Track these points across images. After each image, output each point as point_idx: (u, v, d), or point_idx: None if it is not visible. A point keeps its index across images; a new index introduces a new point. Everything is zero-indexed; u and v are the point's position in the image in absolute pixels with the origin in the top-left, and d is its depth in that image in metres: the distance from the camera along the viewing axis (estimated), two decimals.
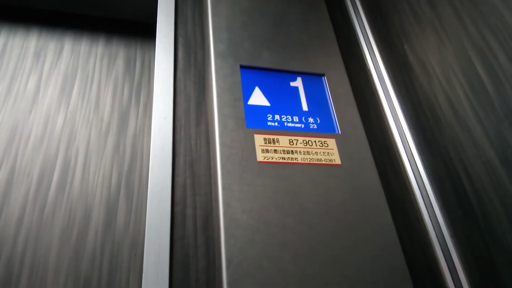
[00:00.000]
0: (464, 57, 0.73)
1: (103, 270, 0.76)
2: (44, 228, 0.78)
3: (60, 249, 0.77)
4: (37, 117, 0.89)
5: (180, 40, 0.89)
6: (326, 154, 0.78)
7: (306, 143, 0.78)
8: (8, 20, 1.02)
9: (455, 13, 0.76)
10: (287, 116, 0.81)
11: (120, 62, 1.02)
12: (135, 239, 0.81)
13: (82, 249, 0.78)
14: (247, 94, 0.81)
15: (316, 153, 0.77)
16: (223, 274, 0.58)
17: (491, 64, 0.67)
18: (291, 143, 0.77)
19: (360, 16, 1.06)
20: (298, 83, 0.88)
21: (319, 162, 0.76)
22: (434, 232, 0.75)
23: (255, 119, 0.78)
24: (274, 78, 0.86)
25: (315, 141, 0.79)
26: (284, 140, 0.77)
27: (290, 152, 0.76)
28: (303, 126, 0.81)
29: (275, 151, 0.75)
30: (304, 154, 0.76)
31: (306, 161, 0.75)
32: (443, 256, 0.73)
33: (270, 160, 0.73)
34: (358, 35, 1.04)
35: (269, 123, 0.78)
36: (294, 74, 0.89)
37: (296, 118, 0.81)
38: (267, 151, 0.74)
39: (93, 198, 0.84)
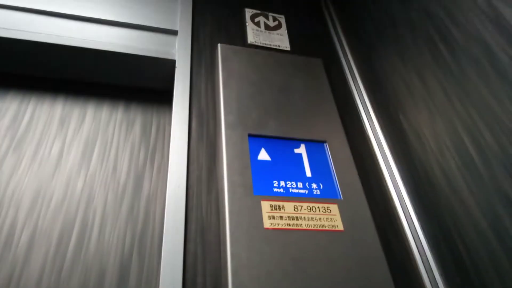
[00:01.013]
0: (454, 131, 0.79)
1: None
2: None
3: None
4: (59, 181, 0.96)
5: (194, 111, 0.97)
6: (329, 220, 0.82)
7: (310, 209, 0.83)
8: (37, 89, 1.12)
9: (443, 90, 0.84)
10: (292, 182, 0.87)
11: (137, 127, 1.11)
12: None
13: None
14: (255, 159, 0.87)
15: (320, 219, 0.82)
16: None
17: (479, 141, 0.73)
18: (296, 209, 0.82)
19: (359, 86, 1.14)
20: (301, 150, 0.94)
21: (323, 228, 0.80)
22: None
23: (262, 185, 0.84)
24: (279, 145, 0.93)
25: (318, 207, 0.84)
26: (289, 207, 0.82)
27: (295, 218, 0.80)
28: (307, 192, 0.86)
29: (281, 217, 0.79)
30: (308, 220, 0.81)
31: (310, 227, 0.80)
32: None
33: (276, 226, 0.78)
34: (357, 104, 1.12)
35: (275, 190, 0.84)
36: (298, 141, 0.95)
37: (300, 184, 0.87)
38: (273, 217, 0.79)
39: (107, 259, 0.88)
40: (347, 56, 1.21)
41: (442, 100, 0.84)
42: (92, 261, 0.87)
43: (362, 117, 1.08)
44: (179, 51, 1.13)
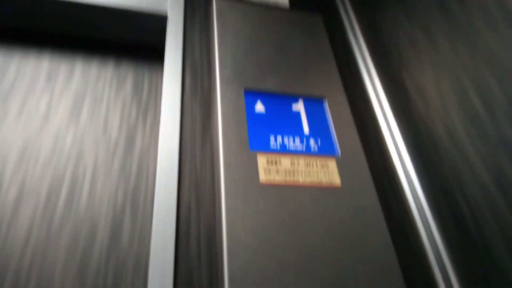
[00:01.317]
0: (459, 85, 0.76)
1: (108, 285, 0.78)
2: (50, 245, 0.80)
3: (66, 265, 0.79)
4: (47, 136, 0.93)
5: (187, 65, 0.93)
6: (326, 175, 0.80)
7: (308, 164, 0.81)
8: (22, 43, 1.06)
9: (449, 43, 0.80)
10: (289, 138, 0.84)
11: (128, 84, 1.06)
12: (139, 256, 0.82)
13: (87, 264, 0.79)
14: (251, 112, 0.84)
15: (317, 175, 0.80)
16: None
17: (485, 94, 0.70)
18: (293, 165, 0.80)
19: (360, 42, 1.10)
20: (299, 106, 0.91)
21: (320, 184, 0.78)
22: (432, 254, 0.77)
23: (259, 141, 0.81)
24: (276, 100, 0.90)
25: (316, 163, 0.81)
26: (286, 162, 0.79)
27: (292, 173, 0.78)
28: (304, 148, 0.84)
29: (277, 172, 0.77)
30: (305, 175, 0.79)
31: (307, 183, 0.77)
32: (441, 278, 0.74)
33: (272, 181, 0.75)
34: (357, 60, 1.08)
35: (271, 145, 0.81)
36: (296, 97, 0.92)
37: (297, 140, 0.84)
38: (269, 172, 0.76)
39: (98, 215, 0.86)
40: (347, 11, 1.16)
41: (449, 55, 0.80)
42: (83, 217, 0.85)
43: (362, 74, 1.04)
44: (172, 6, 1.07)
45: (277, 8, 1.16)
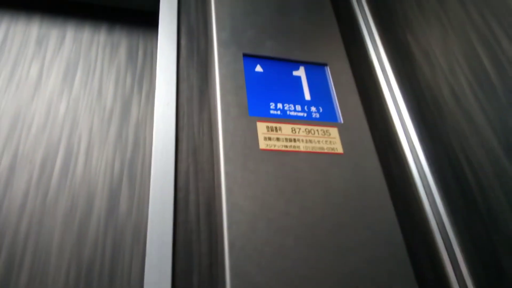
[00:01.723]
0: (468, 45, 0.73)
1: (106, 255, 0.77)
2: (46, 214, 0.79)
3: (62, 235, 0.77)
4: (39, 104, 0.89)
5: (183, 28, 0.89)
6: (328, 142, 0.78)
7: (309, 131, 0.78)
8: (10, 7, 1.01)
9: (459, 1, 0.76)
10: (290, 105, 0.81)
11: (122, 51, 1.02)
12: (137, 225, 0.81)
13: (84, 234, 0.78)
14: (250, 78, 0.81)
15: (319, 141, 0.77)
16: (226, 258, 0.58)
17: (495, 52, 0.67)
18: (294, 132, 0.77)
19: (363, 5, 1.05)
20: (300, 72, 0.87)
21: (321, 151, 0.76)
22: (435, 221, 0.76)
23: (258, 107, 0.78)
24: (276, 66, 0.86)
25: (317, 130, 0.79)
26: (286, 129, 0.77)
27: (293, 140, 0.76)
28: (305, 115, 0.81)
29: (278, 139, 0.75)
30: (306, 142, 0.76)
31: (308, 149, 0.75)
32: (443, 245, 0.74)
33: (272, 148, 0.73)
34: (360, 25, 1.03)
35: (271, 112, 0.79)
36: (296, 63, 0.88)
37: (298, 107, 0.81)
38: (269, 139, 0.74)
39: (95, 185, 0.84)
40: None
41: (457, 12, 0.76)
42: (79, 187, 0.83)
43: (365, 38, 1.00)
44: None
45: None
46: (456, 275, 0.70)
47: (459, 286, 0.69)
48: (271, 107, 0.79)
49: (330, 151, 0.77)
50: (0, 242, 0.74)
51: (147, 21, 1.09)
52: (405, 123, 0.86)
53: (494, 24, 0.67)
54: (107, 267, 0.76)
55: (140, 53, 1.04)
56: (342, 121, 0.82)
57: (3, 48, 0.94)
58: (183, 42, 0.87)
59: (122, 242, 0.79)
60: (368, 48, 0.99)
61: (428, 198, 0.78)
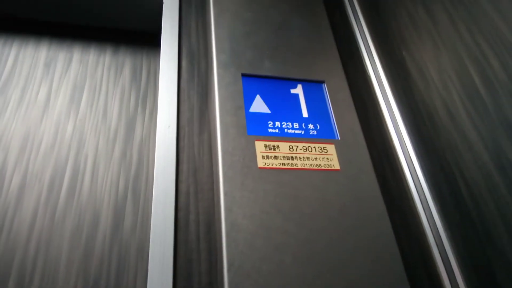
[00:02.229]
0: (459, 63, 0.75)
1: (111, 271, 0.80)
2: (55, 231, 0.82)
3: (70, 252, 0.80)
4: (48, 125, 0.93)
5: (184, 50, 0.92)
6: (325, 159, 0.80)
7: (306, 149, 0.80)
8: (20, 32, 1.06)
9: (450, 20, 0.78)
10: (288, 123, 0.83)
11: (126, 71, 1.06)
12: (142, 241, 0.84)
13: (91, 251, 0.81)
14: (249, 102, 0.84)
15: (316, 158, 0.79)
16: (225, 276, 0.60)
17: (485, 71, 0.69)
18: (291, 149, 0.79)
19: (360, 22, 1.08)
20: (298, 90, 0.90)
21: (319, 168, 0.78)
22: (432, 236, 0.77)
23: (256, 126, 0.80)
24: (275, 85, 0.89)
25: (314, 147, 0.81)
26: (284, 147, 0.79)
27: (290, 158, 0.78)
28: (303, 132, 0.83)
29: (275, 157, 0.77)
30: (303, 160, 0.78)
31: (305, 167, 0.77)
32: (440, 259, 0.75)
33: (270, 166, 0.75)
34: (358, 41, 1.06)
35: (269, 130, 0.81)
36: (294, 82, 0.91)
37: (296, 125, 0.84)
38: (267, 157, 0.76)
39: (101, 203, 0.87)
40: None
41: (449, 31, 0.78)
42: (86, 204, 0.86)
43: (363, 55, 1.02)
44: None
45: None
46: (452, 287, 0.72)
47: None
48: (269, 125, 0.82)
49: (327, 167, 0.79)
50: (11, 258, 0.78)
51: (150, 42, 1.13)
52: (402, 137, 0.88)
53: (483, 44, 0.69)
54: (113, 282, 0.79)
55: (144, 72, 1.07)
56: (339, 138, 0.84)
57: (14, 71, 0.99)
58: (184, 64, 0.90)
59: (126, 257, 0.82)
60: (365, 64, 1.01)
61: (425, 212, 0.79)
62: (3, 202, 0.82)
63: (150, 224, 0.85)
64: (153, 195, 0.70)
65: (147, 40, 1.14)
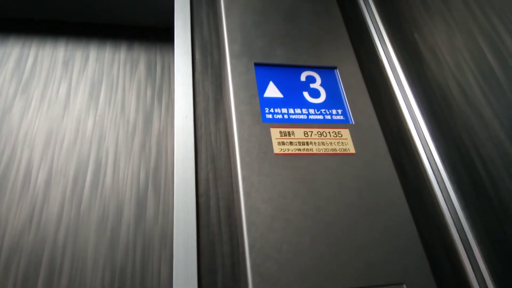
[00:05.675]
0: (473, 43, 0.74)
1: (137, 259, 0.83)
2: (81, 223, 0.86)
3: (97, 242, 0.84)
4: (69, 122, 0.97)
5: (196, 42, 0.94)
6: (340, 144, 0.81)
7: (321, 134, 0.81)
8: (38, 33, 1.09)
9: (463, 1, 0.77)
10: (302, 109, 0.85)
11: (142, 66, 1.09)
12: (164, 230, 0.87)
13: (116, 241, 0.84)
14: (262, 89, 0.85)
15: (331, 143, 0.80)
16: (247, 258, 0.62)
17: (499, 48, 0.68)
18: (306, 135, 0.81)
19: (370, 6, 1.07)
20: (310, 76, 0.91)
21: (334, 152, 0.79)
22: (449, 215, 0.78)
23: (271, 113, 0.82)
24: (287, 73, 0.90)
25: (329, 132, 0.82)
26: (299, 133, 0.81)
27: (305, 143, 0.79)
28: (317, 118, 0.84)
29: (291, 143, 0.78)
30: (319, 144, 0.80)
31: (321, 151, 0.79)
32: (459, 238, 0.75)
33: (286, 152, 0.77)
34: (368, 26, 1.06)
35: (284, 117, 0.82)
36: (306, 68, 0.92)
37: (311, 110, 0.85)
38: (283, 143, 0.78)
39: (124, 194, 0.90)
40: None
41: (461, 11, 0.78)
42: (109, 196, 0.90)
43: (374, 40, 1.02)
44: None
45: None
46: (472, 266, 0.72)
47: (476, 277, 0.71)
48: (283, 111, 0.83)
49: (342, 151, 0.80)
50: (42, 249, 0.82)
51: (163, 36, 1.16)
52: (417, 120, 0.88)
53: (496, 21, 0.69)
54: (138, 270, 0.82)
55: (158, 67, 1.10)
56: (353, 122, 0.85)
57: (34, 70, 1.02)
58: (197, 56, 0.92)
59: (150, 246, 0.85)
60: (377, 48, 1.01)
61: (442, 193, 0.79)
62: (31, 196, 0.86)
63: (171, 213, 0.88)
64: (174, 183, 0.73)
65: (160, 35, 1.16)
